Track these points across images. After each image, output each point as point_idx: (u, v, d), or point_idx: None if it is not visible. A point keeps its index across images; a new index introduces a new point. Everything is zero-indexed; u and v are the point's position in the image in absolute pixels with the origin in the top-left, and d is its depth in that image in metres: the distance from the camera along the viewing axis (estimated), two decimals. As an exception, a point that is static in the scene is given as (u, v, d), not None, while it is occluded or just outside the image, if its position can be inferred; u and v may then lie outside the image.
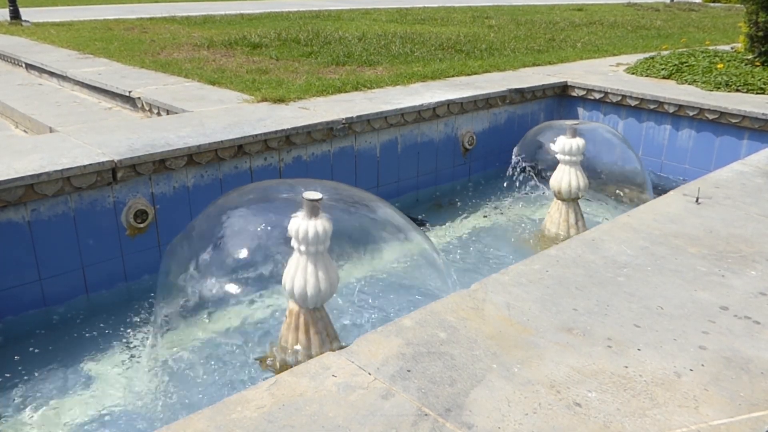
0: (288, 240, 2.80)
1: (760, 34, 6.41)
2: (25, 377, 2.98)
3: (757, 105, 5.15)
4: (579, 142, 4.35)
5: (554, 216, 4.51)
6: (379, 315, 3.40)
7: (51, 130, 4.98)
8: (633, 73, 6.63)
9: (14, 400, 2.83)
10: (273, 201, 3.06)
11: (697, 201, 2.89)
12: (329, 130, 4.45)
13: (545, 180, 4.74)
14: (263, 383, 1.75)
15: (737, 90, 5.71)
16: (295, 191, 2.86)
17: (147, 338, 3.26)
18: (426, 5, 17.46)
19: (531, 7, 17.56)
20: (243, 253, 2.90)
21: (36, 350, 3.17)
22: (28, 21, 11.72)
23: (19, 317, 3.38)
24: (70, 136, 3.99)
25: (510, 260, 4.07)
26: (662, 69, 6.47)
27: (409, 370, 1.79)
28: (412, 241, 3.19)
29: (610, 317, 2.10)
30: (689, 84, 6.03)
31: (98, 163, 3.46)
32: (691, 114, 5.33)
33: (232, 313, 3.42)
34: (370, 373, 1.78)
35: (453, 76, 6.27)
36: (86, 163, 3.43)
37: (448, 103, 5.21)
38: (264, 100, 5.03)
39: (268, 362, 3.01)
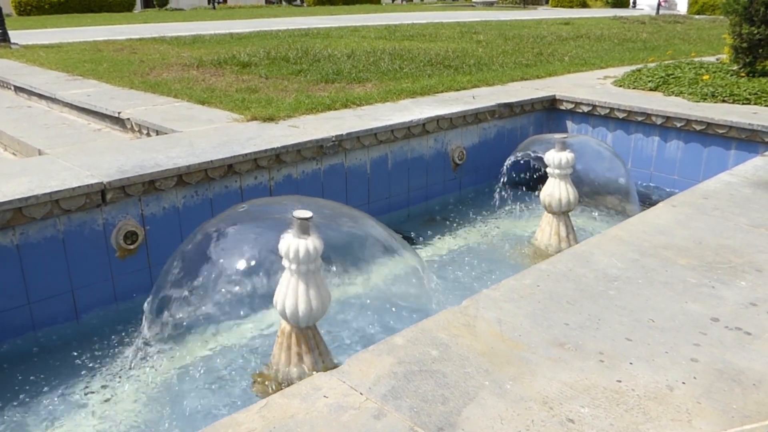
0: (279, 259, 2.80)
1: (745, 45, 6.49)
2: (14, 403, 2.94)
3: (744, 115, 5.19)
4: (568, 155, 4.38)
5: (545, 229, 4.52)
6: (370, 332, 3.39)
7: (40, 153, 4.96)
8: (620, 86, 6.69)
9: (2, 426, 2.79)
10: (263, 220, 3.05)
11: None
12: (319, 148, 4.46)
13: (536, 194, 4.76)
14: (254, 405, 1.74)
15: (723, 101, 5.76)
16: (285, 210, 2.85)
17: (137, 361, 3.22)
18: (414, 22, 17.58)
19: (518, 22, 17.71)
20: (232, 274, 2.89)
21: (25, 375, 3.14)
22: (17, 43, 11.71)
23: (7, 342, 3.34)
24: (59, 158, 3.98)
25: (502, 275, 4.06)
26: (649, 81, 6.53)
27: (401, 389, 1.78)
28: (402, 259, 3.19)
29: (602, 331, 2.10)
30: (676, 96, 6.08)
31: (87, 185, 3.45)
32: (678, 125, 5.37)
33: (223, 334, 3.40)
34: (361, 393, 1.77)
35: (442, 91, 6.29)
36: (75, 185, 3.42)
37: (438, 119, 5.23)
38: (254, 118, 5.04)
39: (259, 383, 2.99)
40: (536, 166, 4.74)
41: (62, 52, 10.15)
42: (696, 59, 8.17)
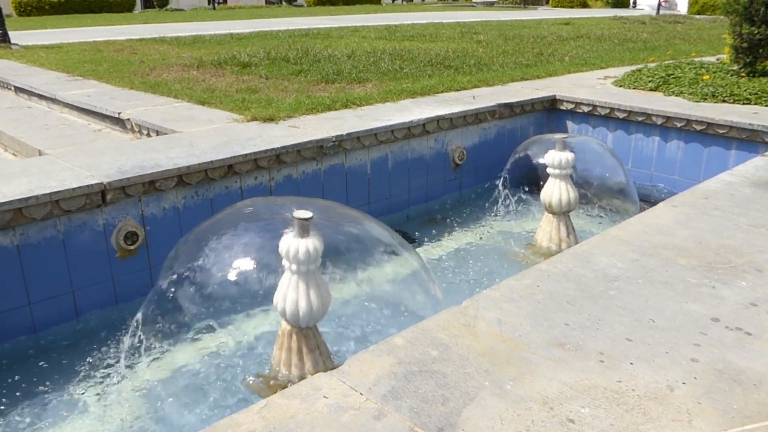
0: (279, 259, 2.79)
1: (745, 45, 6.48)
2: (13, 404, 2.94)
3: (744, 115, 5.19)
4: (568, 155, 4.37)
5: (545, 230, 4.51)
6: (370, 333, 3.38)
7: (40, 153, 4.97)
8: (621, 86, 6.68)
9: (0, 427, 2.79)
10: (263, 220, 3.05)
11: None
12: (319, 148, 4.46)
13: (536, 194, 4.76)
14: (254, 406, 1.73)
15: (723, 101, 5.76)
16: (285, 210, 2.85)
17: (137, 361, 3.22)
18: (415, 22, 17.58)
19: (518, 22, 17.71)
20: (232, 274, 2.89)
21: (25, 376, 3.14)
22: (17, 44, 11.72)
23: (7, 342, 3.34)
24: (59, 158, 3.98)
25: (502, 275, 4.06)
26: (649, 81, 6.53)
27: (401, 390, 1.78)
28: (403, 259, 3.18)
29: (602, 331, 2.09)
30: (676, 96, 6.07)
31: (87, 186, 3.45)
32: (678, 125, 5.37)
33: (223, 335, 3.40)
34: (361, 393, 1.77)
35: (442, 91, 6.29)
36: (75, 185, 3.42)
37: (438, 119, 5.23)
38: (254, 119, 5.03)
39: (259, 383, 2.99)
40: (537, 168, 4.74)
41: (62, 52, 10.15)
42: (696, 59, 8.16)
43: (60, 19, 21.84)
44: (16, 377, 3.13)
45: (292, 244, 2.71)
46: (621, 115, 5.74)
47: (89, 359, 3.28)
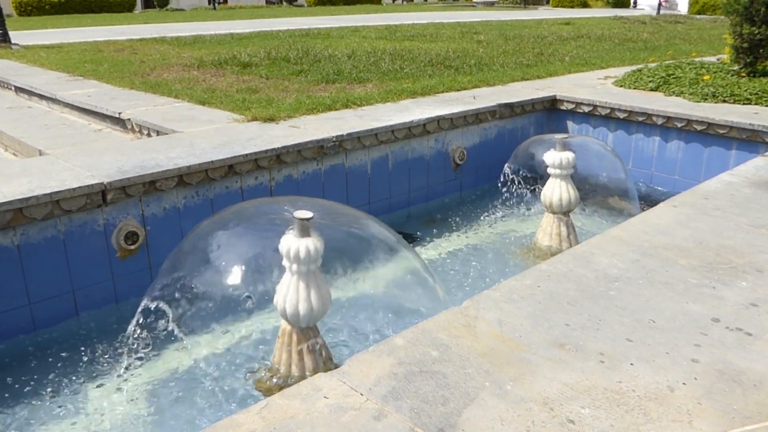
0: (280, 259, 2.80)
1: (745, 45, 6.48)
2: (14, 403, 2.94)
3: (744, 115, 5.19)
4: (569, 155, 4.37)
5: (546, 230, 4.51)
6: (370, 333, 3.38)
7: (40, 153, 4.97)
8: (621, 86, 6.68)
9: (1, 427, 2.79)
10: (263, 220, 3.05)
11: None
12: (320, 148, 4.46)
13: (536, 194, 4.76)
14: (254, 406, 1.73)
15: (724, 101, 5.76)
16: (285, 210, 2.85)
17: (138, 361, 3.23)
18: (415, 22, 17.58)
19: (519, 22, 17.71)
20: (233, 273, 2.89)
21: (25, 376, 3.14)
22: (17, 44, 11.72)
23: (8, 342, 3.34)
24: (59, 158, 3.98)
25: (502, 275, 4.06)
26: (650, 81, 6.52)
27: (401, 390, 1.78)
28: (403, 259, 3.18)
29: (603, 332, 2.09)
30: (677, 96, 6.07)
31: (87, 186, 3.45)
32: (679, 125, 5.37)
33: (224, 334, 3.40)
34: (362, 394, 1.77)
35: (443, 91, 6.29)
36: (75, 185, 3.42)
37: (438, 119, 5.23)
38: (254, 119, 5.03)
39: (260, 383, 2.99)
40: (537, 168, 4.74)
41: (63, 52, 10.15)
42: (697, 59, 8.16)
43: (60, 19, 21.85)
44: (17, 377, 3.13)
45: (292, 244, 2.71)
46: (621, 115, 5.73)
47: (89, 359, 3.28)
